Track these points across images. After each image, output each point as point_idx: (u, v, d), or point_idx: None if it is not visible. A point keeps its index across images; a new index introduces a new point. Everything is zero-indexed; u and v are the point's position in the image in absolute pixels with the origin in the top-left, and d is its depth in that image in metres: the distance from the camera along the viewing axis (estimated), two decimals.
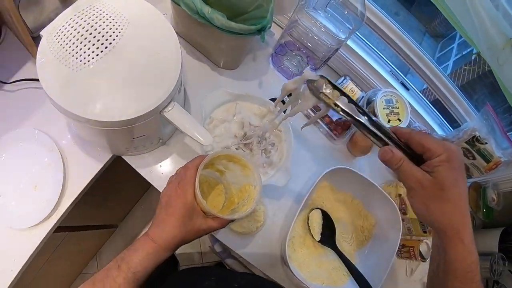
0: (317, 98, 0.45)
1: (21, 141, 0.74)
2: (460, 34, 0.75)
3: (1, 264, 0.67)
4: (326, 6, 0.78)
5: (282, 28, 0.91)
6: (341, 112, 0.43)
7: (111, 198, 1.19)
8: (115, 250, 1.59)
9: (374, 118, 0.42)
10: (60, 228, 0.74)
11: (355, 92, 0.85)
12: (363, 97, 0.85)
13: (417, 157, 0.40)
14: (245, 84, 0.84)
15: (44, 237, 0.70)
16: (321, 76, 0.45)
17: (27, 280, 0.91)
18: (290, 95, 0.56)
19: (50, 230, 0.70)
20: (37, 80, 0.78)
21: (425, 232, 0.81)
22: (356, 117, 0.42)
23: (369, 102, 0.84)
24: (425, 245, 0.81)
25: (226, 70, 0.84)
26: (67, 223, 0.76)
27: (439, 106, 0.95)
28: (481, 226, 0.98)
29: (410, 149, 0.41)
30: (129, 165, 0.76)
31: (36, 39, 0.78)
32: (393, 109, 0.81)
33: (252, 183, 0.55)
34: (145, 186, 1.61)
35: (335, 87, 0.44)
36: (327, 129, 0.81)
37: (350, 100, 0.43)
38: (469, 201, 0.84)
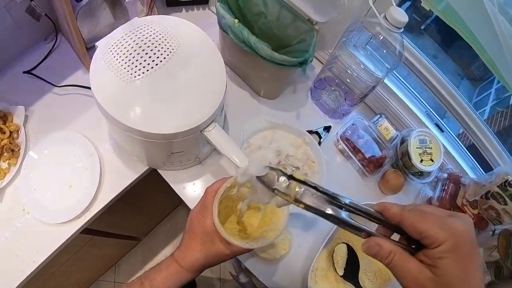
0: (273, 192, 0.36)
1: (64, 142, 0.78)
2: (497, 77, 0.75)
3: (25, 254, 0.70)
4: (366, 45, 0.80)
5: (322, 63, 0.94)
6: (305, 208, 0.35)
7: (140, 211, 1.22)
8: (134, 263, 1.60)
9: (352, 202, 0.34)
10: (87, 230, 0.77)
11: (390, 131, 0.86)
12: (397, 136, 0.86)
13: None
14: (283, 114, 0.87)
15: (71, 236, 0.73)
16: (271, 169, 0.37)
17: (45, 276, 0.93)
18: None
19: (78, 230, 0.73)
20: (85, 87, 0.84)
21: None
22: (326, 211, 0.33)
23: (403, 141, 0.84)
24: None
25: (266, 99, 0.87)
26: (94, 226, 0.79)
27: (473, 151, 0.94)
28: (510, 275, 0.93)
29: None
30: (162, 181, 0.78)
31: (89, 49, 0.84)
32: (426, 149, 0.81)
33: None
34: (174, 204, 1.64)
35: (291, 177, 0.36)
36: (360, 165, 0.82)
37: (315, 189, 0.35)
38: (498, 248, 0.82)
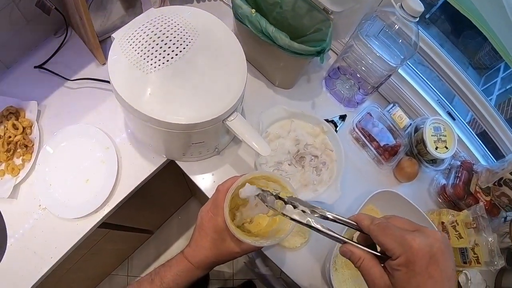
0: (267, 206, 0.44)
1: (80, 135, 0.78)
2: (506, 64, 0.76)
3: (42, 250, 0.70)
4: (378, 34, 0.80)
5: (335, 52, 0.95)
6: (290, 219, 0.42)
7: (153, 203, 1.21)
8: (147, 256, 1.60)
9: (330, 214, 0.40)
10: (104, 224, 0.77)
11: (403, 119, 0.86)
12: (410, 124, 0.86)
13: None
14: (298, 104, 0.87)
15: (89, 230, 0.72)
16: (263, 190, 0.45)
17: (61, 272, 0.92)
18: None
19: (96, 224, 0.73)
20: (99, 80, 0.83)
21: (465, 263, 0.80)
22: (305, 222, 0.40)
23: (417, 129, 0.85)
24: (464, 276, 0.80)
25: (281, 89, 0.87)
26: (111, 220, 0.78)
27: (484, 138, 0.95)
28: None
29: None
30: (176, 173, 0.78)
31: (100, 42, 0.83)
32: (440, 137, 0.82)
33: None
34: (186, 197, 1.63)
35: (278, 197, 0.44)
36: (376, 153, 0.83)
37: (298, 202, 0.42)
38: (510, 234, 0.83)
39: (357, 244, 0.37)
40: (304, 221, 0.41)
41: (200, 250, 0.49)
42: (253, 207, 0.48)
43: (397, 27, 0.74)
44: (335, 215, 0.40)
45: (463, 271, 0.79)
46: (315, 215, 0.41)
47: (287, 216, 0.42)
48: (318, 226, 0.40)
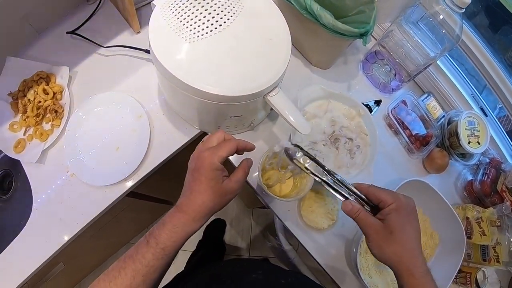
0: (292, 161, 0.53)
1: (112, 103, 0.77)
2: None
3: (68, 215, 0.70)
4: (418, 22, 0.79)
5: (374, 37, 0.93)
6: (310, 174, 0.51)
7: (179, 174, 1.17)
8: None
9: (338, 176, 0.50)
10: (130, 193, 0.76)
11: (437, 110, 0.85)
12: (444, 116, 0.85)
13: (376, 208, 0.48)
14: (334, 85, 0.86)
15: (117, 199, 0.72)
16: (295, 145, 0.53)
17: (84, 238, 0.92)
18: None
19: (124, 193, 0.72)
20: (134, 48, 0.82)
21: (484, 260, 0.80)
22: (322, 178, 0.50)
23: (450, 122, 0.84)
24: (482, 273, 0.80)
25: (318, 68, 0.86)
26: (138, 190, 0.78)
27: None
28: None
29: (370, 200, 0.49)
30: None
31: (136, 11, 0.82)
32: (474, 131, 0.81)
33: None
34: None
35: (306, 153, 0.53)
36: (408, 141, 0.82)
37: (318, 164, 0.51)
38: None
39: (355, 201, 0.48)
40: (322, 177, 0.50)
41: (195, 195, 0.47)
42: (281, 160, 0.63)
43: (441, 17, 0.72)
44: (344, 180, 0.49)
45: (481, 269, 0.79)
46: (327, 175, 0.50)
47: (308, 169, 0.51)
48: (331, 183, 0.49)
